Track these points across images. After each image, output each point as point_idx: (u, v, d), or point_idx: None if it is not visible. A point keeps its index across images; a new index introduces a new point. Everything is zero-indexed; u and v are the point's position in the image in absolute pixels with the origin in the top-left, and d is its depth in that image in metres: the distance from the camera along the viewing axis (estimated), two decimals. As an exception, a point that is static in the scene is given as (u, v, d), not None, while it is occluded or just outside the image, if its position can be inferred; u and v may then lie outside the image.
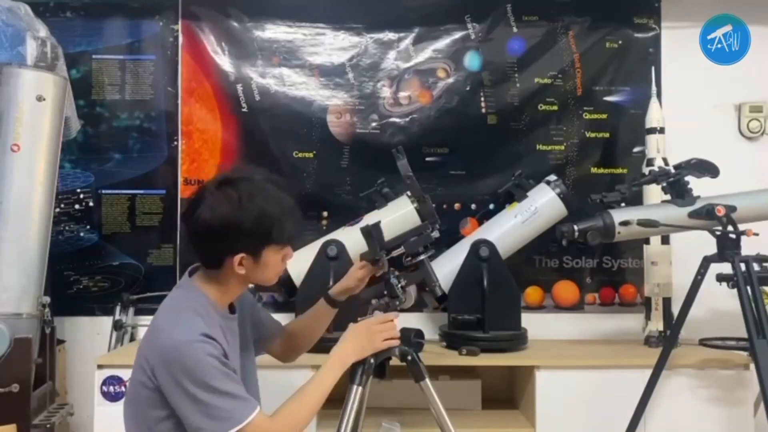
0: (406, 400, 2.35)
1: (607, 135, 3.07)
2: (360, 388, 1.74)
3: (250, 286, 1.72)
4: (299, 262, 2.48)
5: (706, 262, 2.29)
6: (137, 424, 1.54)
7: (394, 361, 1.81)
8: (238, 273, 1.56)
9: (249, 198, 1.53)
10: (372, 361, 1.76)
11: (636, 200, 2.72)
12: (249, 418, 1.45)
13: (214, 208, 1.52)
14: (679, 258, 2.73)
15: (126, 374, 2.33)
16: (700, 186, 2.44)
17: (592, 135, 3.06)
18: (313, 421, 2.16)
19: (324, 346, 1.87)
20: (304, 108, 3.01)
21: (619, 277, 3.05)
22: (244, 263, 1.56)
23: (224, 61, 3.00)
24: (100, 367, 2.38)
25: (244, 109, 2.99)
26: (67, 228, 2.93)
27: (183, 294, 1.60)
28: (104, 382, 2.36)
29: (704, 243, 2.29)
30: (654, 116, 2.79)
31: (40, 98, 2.43)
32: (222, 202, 1.52)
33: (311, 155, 3.00)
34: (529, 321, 2.74)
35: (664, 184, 2.47)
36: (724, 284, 2.23)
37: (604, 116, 3.07)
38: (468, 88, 3.04)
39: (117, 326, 2.82)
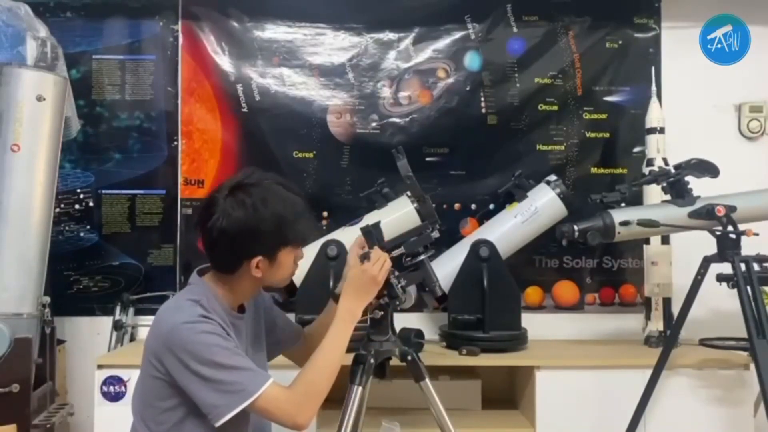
0: (406, 400, 2.34)
1: (607, 135, 3.07)
2: (360, 388, 1.74)
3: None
4: (299, 262, 2.47)
5: (706, 262, 2.29)
6: (143, 417, 1.55)
7: (394, 361, 1.81)
8: (254, 276, 1.58)
9: (263, 202, 1.54)
10: (372, 361, 1.75)
11: (636, 200, 2.72)
12: (262, 389, 1.47)
13: (229, 215, 1.53)
14: (679, 258, 2.73)
15: (126, 374, 2.35)
16: (700, 186, 2.43)
17: (592, 135, 3.06)
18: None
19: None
20: (304, 108, 3.01)
21: (619, 277, 3.05)
22: (260, 266, 1.57)
23: (224, 61, 3.00)
24: (100, 367, 2.38)
25: (244, 109, 2.99)
26: (67, 228, 2.93)
27: (190, 289, 1.61)
28: (104, 382, 2.36)
29: (704, 243, 2.28)
30: (654, 116, 2.79)
31: (40, 98, 2.43)
32: (236, 208, 1.53)
33: (311, 155, 3.00)
34: (529, 321, 2.74)
35: (664, 184, 2.46)
36: (724, 284, 2.22)
37: (604, 116, 3.06)
38: (468, 88, 3.04)
39: (117, 326, 2.82)
